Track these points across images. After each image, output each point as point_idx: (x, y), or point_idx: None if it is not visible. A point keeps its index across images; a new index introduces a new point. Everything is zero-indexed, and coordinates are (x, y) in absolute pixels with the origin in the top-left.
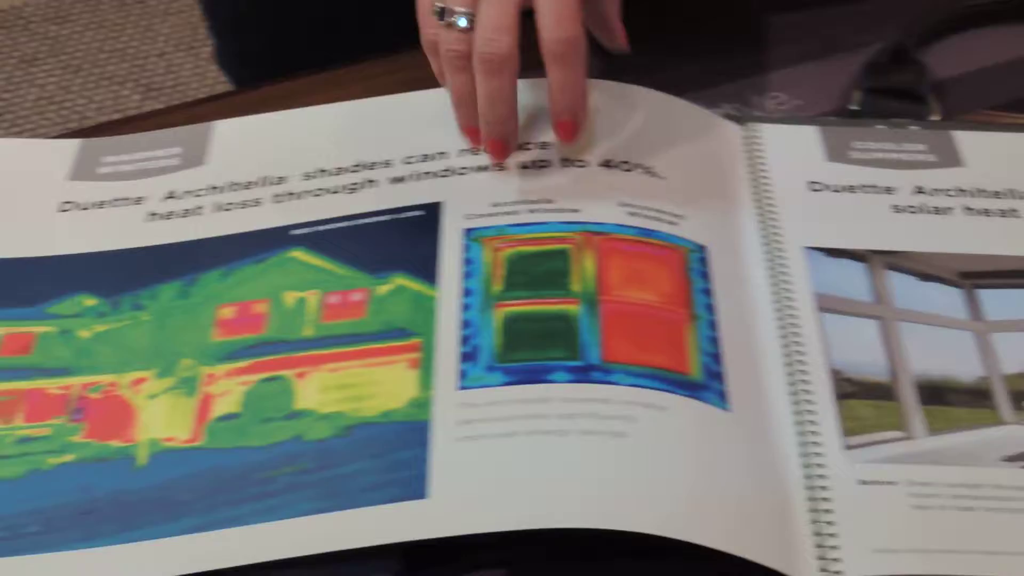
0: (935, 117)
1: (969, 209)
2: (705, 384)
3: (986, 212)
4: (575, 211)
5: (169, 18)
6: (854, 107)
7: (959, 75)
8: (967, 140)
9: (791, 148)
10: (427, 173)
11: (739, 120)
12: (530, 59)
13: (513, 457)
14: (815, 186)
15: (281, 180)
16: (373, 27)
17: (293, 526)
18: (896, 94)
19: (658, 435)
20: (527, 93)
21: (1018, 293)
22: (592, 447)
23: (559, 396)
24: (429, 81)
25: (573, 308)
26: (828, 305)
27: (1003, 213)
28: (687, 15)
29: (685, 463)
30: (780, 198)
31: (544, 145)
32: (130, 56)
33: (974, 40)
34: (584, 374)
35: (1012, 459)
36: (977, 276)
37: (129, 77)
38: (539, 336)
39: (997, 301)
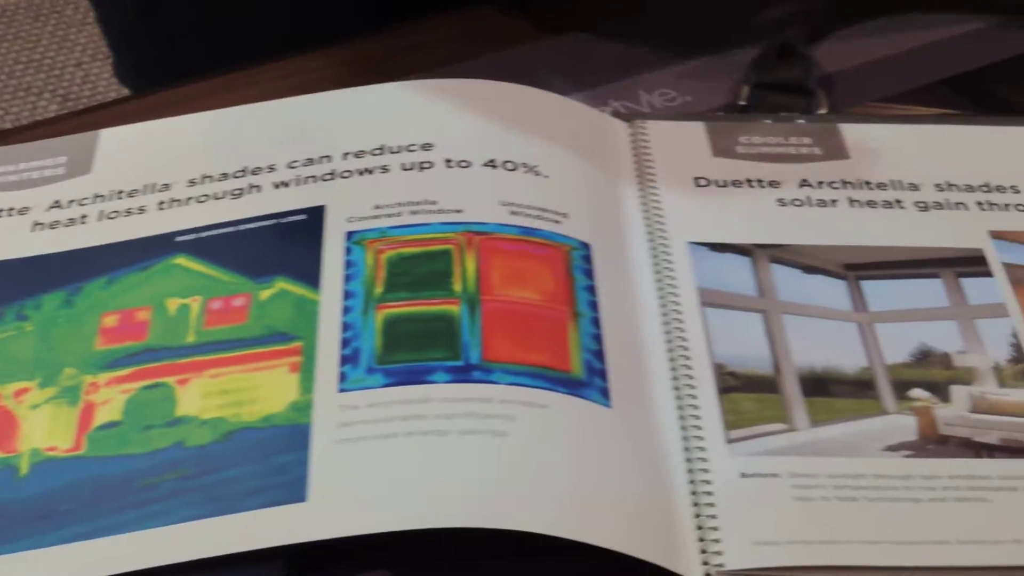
0: (823, 111)
1: (854, 201)
2: (587, 381)
3: (870, 204)
4: (458, 211)
5: (86, 28)
6: (742, 102)
7: (848, 69)
8: (853, 132)
9: (677, 144)
10: (311, 177)
11: (626, 117)
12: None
13: (392, 458)
14: (701, 182)
15: (166, 187)
16: (265, 34)
17: (175, 532)
18: (784, 89)
19: (538, 433)
20: (416, 95)
21: (901, 284)
22: (472, 446)
23: (439, 396)
24: (319, 85)
25: (454, 308)
26: (712, 300)
27: (887, 204)
28: (575, 15)
29: (566, 460)
30: (665, 194)
31: (427, 146)
32: (47, 67)
33: (863, 33)
34: (464, 374)
35: (894, 448)
36: (861, 268)
37: (46, 88)
38: (419, 337)
39: (880, 292)
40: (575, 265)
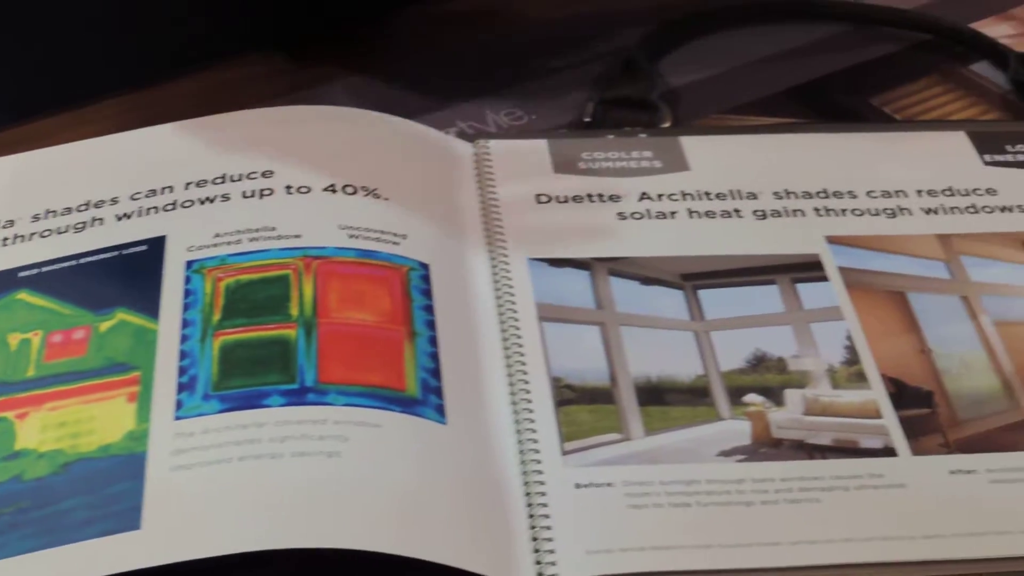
0: (667, 124)
1: (693, 212)
2: (422, 399)
3: (709, 214)
4: (296, 236)
5: None
6: (587, 119)
7: (692, 82)
8: (693, 144)
9: (519, 163)
10: (153, 208)
11: (470, 138)
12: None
13: (225, 483)
14: (542, 198)
15: (10, 223)
16: (102, 71)
17: (11, 565)
18: (627, 104)
19: (371, 452)
20: (257, 124)
21: (738, 291)
22: (304, 468)
23: (273, 420)
24: (162, 117)
25: (290, 332)
26: (549, 315)
27: (726, 214)
28: (423, 38)
29: (398, 478)
30: (507, 212)
31: (268, 174)
32: None
33: (708, 46)
34: (299, 397)
35: (728, 453)
36: (698, 277)
37: None
38: (255, 362)
39: (717, 300)
40: (413, 285)
